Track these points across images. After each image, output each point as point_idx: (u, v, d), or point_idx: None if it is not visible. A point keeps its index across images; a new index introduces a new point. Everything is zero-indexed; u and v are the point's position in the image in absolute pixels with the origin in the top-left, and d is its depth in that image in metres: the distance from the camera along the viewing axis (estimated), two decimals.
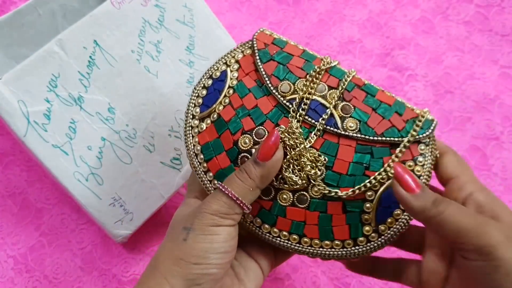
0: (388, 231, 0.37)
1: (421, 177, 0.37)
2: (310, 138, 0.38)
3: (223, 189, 0.36)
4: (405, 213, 0.37)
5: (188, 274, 0.33)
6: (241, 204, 0.36)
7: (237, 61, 0.42)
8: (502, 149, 0.58)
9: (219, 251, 0.34)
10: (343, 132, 0.38)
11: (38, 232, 0.57)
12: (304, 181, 0.38)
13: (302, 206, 0.38)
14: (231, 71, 0.42)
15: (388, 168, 0.37)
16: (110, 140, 0.50)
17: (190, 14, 0.54)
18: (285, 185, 0.38)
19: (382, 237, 0.37)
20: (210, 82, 0.42)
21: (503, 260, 0.30)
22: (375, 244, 0.37)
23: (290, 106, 0.39)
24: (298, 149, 0.38)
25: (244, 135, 0.39)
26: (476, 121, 0.60)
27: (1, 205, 0.58)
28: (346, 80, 0.39)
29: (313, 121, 0.38)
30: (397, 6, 0.68)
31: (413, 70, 0.64)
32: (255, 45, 0.42)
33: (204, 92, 0.42)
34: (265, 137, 0.39)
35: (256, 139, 0.39)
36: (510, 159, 0.58)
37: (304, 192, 0.38)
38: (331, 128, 0.38)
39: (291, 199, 0.38)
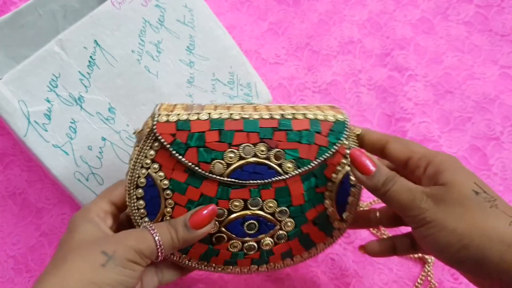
0: (350, 215, 0.44)
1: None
2: (257, 197, 0.42)
3: (155, 236, 0.38)
4: (355, 197, 0.44)
5: None
6: (160, 254, 0.38)
7: (153, 160, 0.41)
8: (502, 149, 0.58)
9: (130, 286, 0.36)
10: (286, 176, 0.41)
11: (38, 232, 0.57)
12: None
13: (284, 241, 0.44)
14: (155, 172, 0.41)
15: (333, 175, 0.43)
16: (110, 140, 0.51)
17: (191, 14, 0.54)
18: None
19: (348, 221, 0.45)
20: (140, 191, 0.41)
21: (434, 222, 0.35)
22: (345, 229, 0.45)
23: (232, 181, 0.41)
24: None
25: None
26: (476, 121, 0.60)
27: (2, 205, 0.58)
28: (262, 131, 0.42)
29: (258, 181, 0.41)
30: (397, 6, 0.68)
31: (413, 70, 0.64)
32: (162, 140, 0.40)
33: (142, 202, 0.41)
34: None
35: (217, 218, 0.42)
36: (510, 159, 0.58)
37: (279, 232, 0.43)
38: (276, 178, 0.41)
39: (273, 241, 0.43)
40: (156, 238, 0.38)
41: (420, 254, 0.52)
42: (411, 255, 0.52)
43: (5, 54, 0.56)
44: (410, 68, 0.64)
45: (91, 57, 0.49)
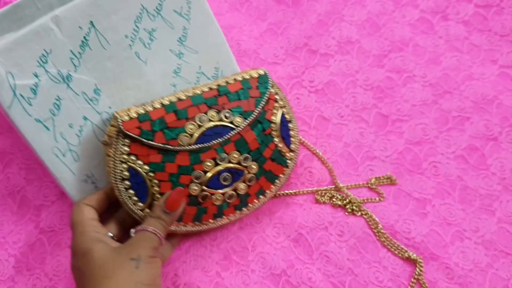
0: (295, 145, 0.56)
1: (285, 108, 0.55)
2: (223, 153, 0.50)
3: (156, 234, 0.46)
4: (294, 130, 0.56)
5: None
6: (162, 241, 0.46)
7: (129, 154, 0.48)
8: (500, 149, 0.58)
9: (159, 274, 0.46)
10: (239, 129, 0.51)
11: (37, 229, 0.57)
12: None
13: (254, 182, 0.53)
14: (133, 162, 0.48)
15: (273, 118, 0.54)
16: (91, 120, 0.52)
17: (188, 6, 0.55)
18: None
19: (295, 150, 0.56)
20: (127, 182, 0.48)
21: None
22: (295, 157, 0.56)
23: (199, 147, 0.49)
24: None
25: (190, 185, 0.50)
26: (475, 121, 0.60)
27: (1, 204, 0.59)
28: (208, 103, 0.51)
29: (219, 140, 0.50)
30: (396, 7, 0.68)
31: (411, 71, 0.64)
32: (132, 135, 0.48)
33: (132, 191, 0.49)
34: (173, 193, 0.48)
35: (197, 181, 0.50)
36: (508, 159, 0.57)
37: (248, 175, 0.52)
38: (232, 133, 0.51)
39: (246, 185, 0.53)
40: (156, 232, 0.46)
41: (409, 255, 0.52)
42: (402, 255, 0.52)
43: None
44: (408, 70, 0.64)
45: (84, 37, 0.50)
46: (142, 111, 0.48)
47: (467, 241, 0.53)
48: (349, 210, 0.56)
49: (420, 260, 0.52)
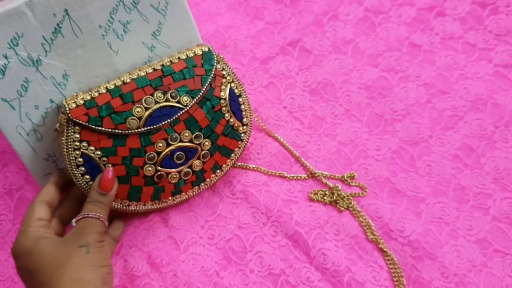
0: (248, 118, 0.57)
1: (233, 83, 0.55)
2: (174, 133, 0.51)
3: (99, 218, 0.47)
4: (244, 104, 0.57)
5: (102, 274, 0.45)
6: (105, 224, 0.48)
7: (80, 141, 0.49)
8: (494, 148, 0.59)
9: (109, 256, 0.48)
10: (187, 108, 0.51)
11: None
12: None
13: (209, 158, 0.54)
14: (86, 148, 0.49)
15: (221, 94, 0.54)
16: (57, 103, 0.52)
17: (166, 2, 0.55)
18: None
19: (249, 124, 0.57)
20: (82, 168, 0.49)
21: None
22: (249, 130, 0.57)
23: (149, 129, 0.50)
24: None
25: (144, 167, 0.51)
26: (469, 120, 0.61)
27: (1, 204, 0.59)
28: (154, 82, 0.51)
29: (168, 120, 0.51)
30: (393, 4, 0.69)
31: (405, 71, 0.64)
32: (80, 122, 0.48)
33: (87, 176, 0.50)
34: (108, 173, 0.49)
35: (151, 162, 0.51)
36: (502, 158, 0.58)
37: (202, 152, 0.54)
38: (180, 113, 0.51)
39: (201, 162, 0.54)
40: (98, 216, 0.47)
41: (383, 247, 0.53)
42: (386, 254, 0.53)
43: None
44: (402, 70, 0.64)
45: (58, 24, 0.50)
46: (88, 97, 0.49)
47: (461, 240, 0.54)
48: (341, 208, 0.56)
49: (390, 252, 0.53)
